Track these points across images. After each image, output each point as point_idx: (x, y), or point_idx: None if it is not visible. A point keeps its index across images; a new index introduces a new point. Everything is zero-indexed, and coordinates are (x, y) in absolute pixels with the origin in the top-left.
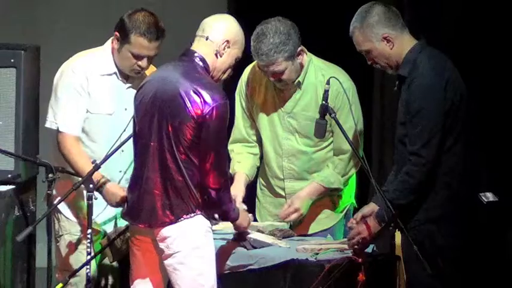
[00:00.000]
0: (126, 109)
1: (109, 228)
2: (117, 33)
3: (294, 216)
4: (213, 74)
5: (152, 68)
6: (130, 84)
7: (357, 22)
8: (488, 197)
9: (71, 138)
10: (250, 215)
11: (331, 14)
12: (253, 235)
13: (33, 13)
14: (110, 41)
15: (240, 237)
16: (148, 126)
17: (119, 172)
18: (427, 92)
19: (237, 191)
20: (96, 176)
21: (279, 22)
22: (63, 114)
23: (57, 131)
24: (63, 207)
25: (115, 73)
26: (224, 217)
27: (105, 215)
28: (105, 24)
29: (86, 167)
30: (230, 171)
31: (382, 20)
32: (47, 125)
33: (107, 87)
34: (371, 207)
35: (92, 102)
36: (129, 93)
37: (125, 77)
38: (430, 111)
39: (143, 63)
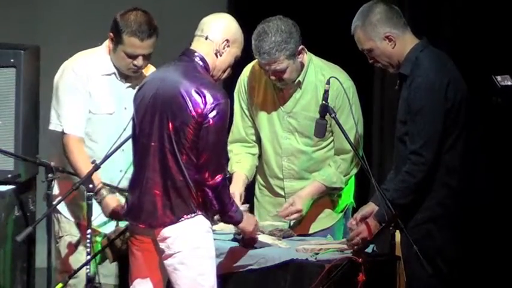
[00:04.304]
0: (125, 108)
1: (109, 229)
2: (111, 34)
3: (294, 216)
4: (213, 74)
5: (149, 67)
6: (129, 84)
7: (358, 21)
8: (506, 80)
9: (75, 139)
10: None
11: (331, 13)
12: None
13: (33, 13)
14: (107, 41)
15: (247, 244)
16: (149, 127)
17: (119, 172)
18: (429, 91)
19: (235, 189)
20: (95, 181)
21: (280, 21)
22: (67, 116)
23: (62, 133)
24: (62, 207)
25: (114, 73)
26: (225, 219)
27: (104, 217)
28: (105, 25)
29: (85, 169)
30: (229, 170)
31: (384, 19)
32: (52, 127)
33: (106, 87)
34: (371, 207)
35: (93, 102)
36: (128, 93)
37: (124, 76)
38: (431, 110)
39: (139, 62)
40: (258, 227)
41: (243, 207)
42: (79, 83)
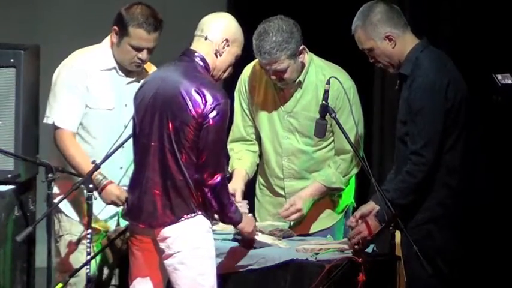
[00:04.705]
0: (126, 105)
1: (111, 225)
2: (115, 27)
3: (295, 216)
4: (214, 73)
5: (151, 66)
6: (130, 80)
7: (359, 20)
8: (507, 78)
9: (67, 133)
10: (257, 222)
11: (331, 13)
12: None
13: (33, 13)
14: (108, 37)
15: (246, 244)
16: (149, 127)
17: (119, 169)
18: (429, 91)
19: (236, 186)
20: (94, 175)
21: (281, 20)
22: (59, 110)
23: (53, 126)
24: (65, 206)
25: (114, 68)
26: (224, 219)
27: (107, 213)
28: (105, 24)
29: (83, 162)
30: (229, 168)
31: (385, 19)
32: (44, 120)
33: (106, 83)
34: (370, 206)
35: (91, 97)
36: (129, 89)
37: (125, 72)
38: (432, 110)
39: (143, 55)
40: (256, 228)
41: (243, 203)
42: (76, 79)
